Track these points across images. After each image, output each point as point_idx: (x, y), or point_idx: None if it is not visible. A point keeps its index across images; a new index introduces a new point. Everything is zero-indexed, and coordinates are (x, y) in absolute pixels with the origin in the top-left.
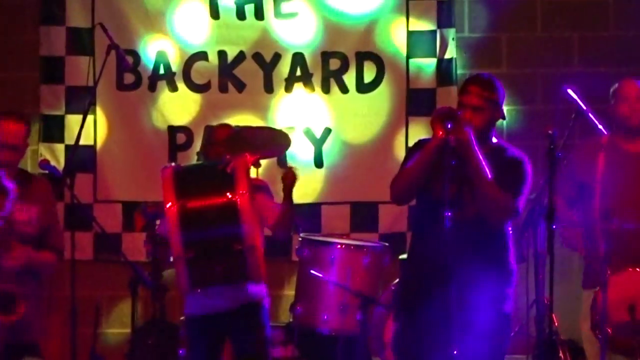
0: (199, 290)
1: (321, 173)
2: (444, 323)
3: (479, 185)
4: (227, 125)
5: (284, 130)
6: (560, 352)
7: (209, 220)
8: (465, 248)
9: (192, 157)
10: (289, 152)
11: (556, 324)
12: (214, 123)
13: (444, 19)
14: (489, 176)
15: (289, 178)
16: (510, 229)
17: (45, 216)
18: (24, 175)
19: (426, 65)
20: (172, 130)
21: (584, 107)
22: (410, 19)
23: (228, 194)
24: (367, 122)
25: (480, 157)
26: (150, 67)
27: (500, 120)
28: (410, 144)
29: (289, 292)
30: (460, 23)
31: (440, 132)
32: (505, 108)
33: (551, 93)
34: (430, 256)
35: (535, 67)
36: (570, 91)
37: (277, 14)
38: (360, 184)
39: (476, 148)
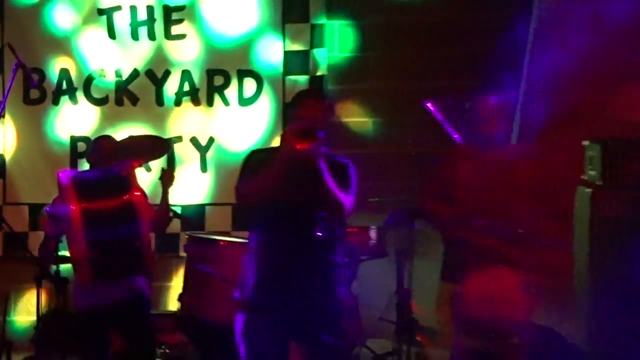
0: (96, 284)
1: (206, 177)
2: (294, 314)
3: (326, 189)
4: (110, 137)
5: (173, 138)
6: (418, 336)
7: (110, 220)
8: (310, 245)
9: None
10: (178, 158)
11: (415, 311)
12: (111, 133)
13: (317, 41)
14: (332, 181)
15: (166, 177)
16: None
17: None
18: None
19: (300, 81)
20: (74, 139)
21: (441, 119)
22: (286, 41)
23: (124, 196)
24: (247, 132)
25: (325, 166)
26: (54, 83)
27: (366, 129)
28: None
29: (177, 284)
30: (331, 44)
31: (298, 145)
32: (370, 120)
33: (413, 106)
34: (280, 254)
35: (399, 81)
36: (429, 105)
37: (167, 35)
38: None
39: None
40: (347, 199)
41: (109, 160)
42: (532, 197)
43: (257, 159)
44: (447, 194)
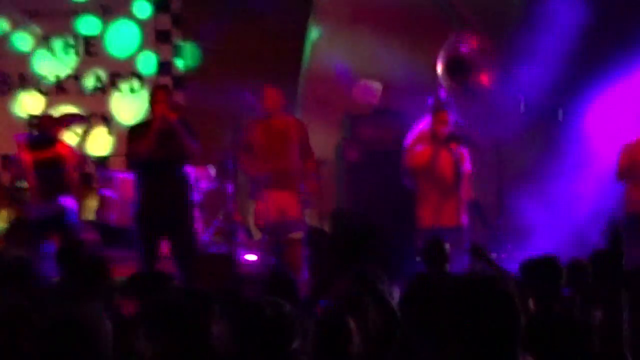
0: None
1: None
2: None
3: (182, 138)
4: (49, 114)
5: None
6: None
7: (49, 163)
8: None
9: None
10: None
11: (237, 218)
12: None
13: (177, 54)
14: (186, 133)
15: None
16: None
17: None
18: None
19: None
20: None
21: (254, 101)
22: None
23: (56, 150)
24: (134, 111)
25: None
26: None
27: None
28: None
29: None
30: (185, 56)
31: (172, 116)
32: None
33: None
34: (154, 195)
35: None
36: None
37: (87, 52)
38: None
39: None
40: (195, 144)
41: (48, 128)
42: (296, 149)
43: (136, 129)
44: (249, 148)
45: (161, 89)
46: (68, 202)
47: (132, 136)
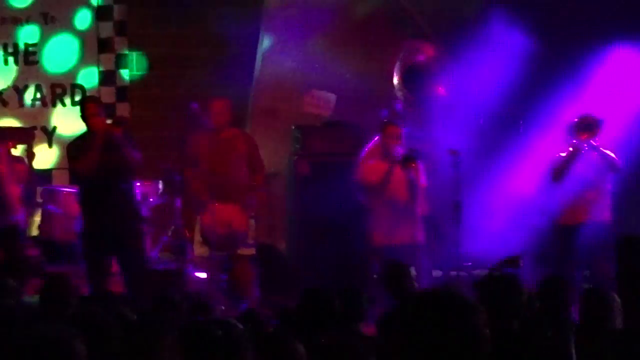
0: None
1: (52, 151)
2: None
3: (124, 150)
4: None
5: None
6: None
7: None
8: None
9: None
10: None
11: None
12: None
13: (121, 64)
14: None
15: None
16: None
17: None
18: None
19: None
20: None
21: (200, 114)
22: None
23: None
24: (75, 123)
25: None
26: None
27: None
28: None
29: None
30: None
31: (118, 131)
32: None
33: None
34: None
35: (167, 90)
36: (194, 106)
37: (26, 61)
38: None
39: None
40: (137, 155)
41: None
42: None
43: (76, 145)
44: (195, 161)
45: (91, 101)
46: (16, 217)
47: (73, 152)
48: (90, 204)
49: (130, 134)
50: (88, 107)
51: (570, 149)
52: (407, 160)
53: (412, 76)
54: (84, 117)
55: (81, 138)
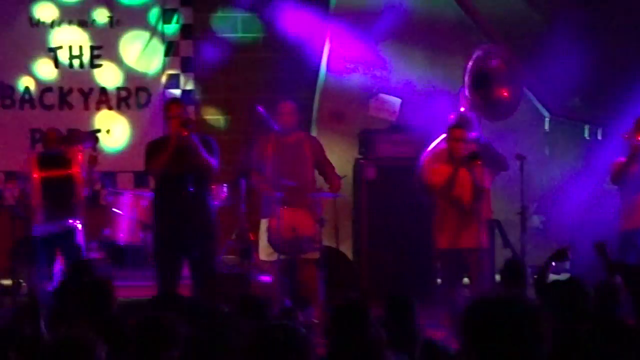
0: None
1: None
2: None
3: (199, 155)
4: (56, 129)
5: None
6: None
7: (59, 184)
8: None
9: None
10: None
11: (252, 237)
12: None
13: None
14: (203, 149)
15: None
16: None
17: None
18: None
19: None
20: (32, 130)
21: (267, 117)
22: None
23: (68, 170)
24: (143, 126)
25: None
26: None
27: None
28: None
29: None
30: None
31: (184, 132)
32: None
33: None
34: (174, 214)
35: (238, 93)
36: (260, 109)
37: (92, 65)
38: None
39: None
40: (213, 160)
41: (55, 145)
42: (310, 166)
43: (154, 145)
44: (261, 165)
45: (172, 103)
46: (74, 221)
47: (149, 151)
48: (163, 206)
49: (209, 140)
50: (169, 108)
51: (631, 150)
52: (472, 158)
53: (483, 81)
54: (165, 119)
55: (161, 139)
